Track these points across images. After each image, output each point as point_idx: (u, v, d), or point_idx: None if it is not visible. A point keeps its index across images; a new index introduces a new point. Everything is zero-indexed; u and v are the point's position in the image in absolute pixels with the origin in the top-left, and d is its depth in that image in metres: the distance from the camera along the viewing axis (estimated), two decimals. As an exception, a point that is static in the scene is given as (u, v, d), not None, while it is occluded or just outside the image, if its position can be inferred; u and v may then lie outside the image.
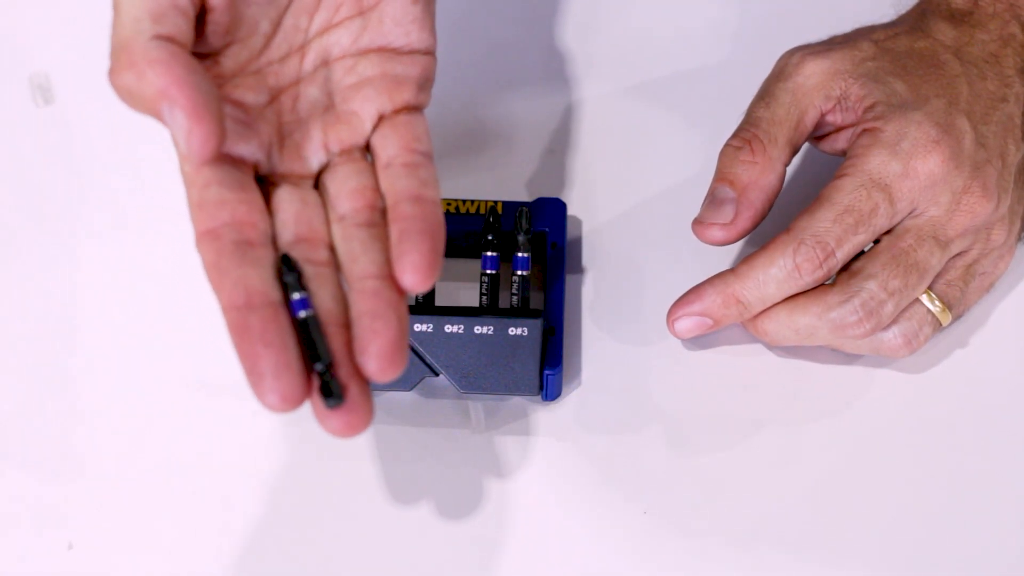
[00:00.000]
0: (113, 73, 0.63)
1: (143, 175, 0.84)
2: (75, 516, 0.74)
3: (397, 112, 0.68)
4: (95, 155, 0.85)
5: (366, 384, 0.63)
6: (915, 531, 0.74)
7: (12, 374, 0.78)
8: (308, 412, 0.76)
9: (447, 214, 0.80)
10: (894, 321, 0.75)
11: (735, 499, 0.75)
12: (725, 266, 0.81)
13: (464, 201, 0.80)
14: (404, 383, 0.76)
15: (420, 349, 0.75)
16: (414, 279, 0.64)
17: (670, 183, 0.84)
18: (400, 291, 0.64)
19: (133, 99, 0.63)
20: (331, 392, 0.62)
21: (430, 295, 0.77)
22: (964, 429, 0.77)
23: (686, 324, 0.77)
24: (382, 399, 0.77)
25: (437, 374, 0.76)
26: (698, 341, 0.79)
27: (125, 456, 0.76)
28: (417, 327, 0.75)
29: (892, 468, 0.76)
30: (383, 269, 0.64)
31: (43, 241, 0.82)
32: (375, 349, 0.62)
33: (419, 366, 0.76)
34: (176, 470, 0.76)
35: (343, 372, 0.62)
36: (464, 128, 0.86)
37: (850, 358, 0.78)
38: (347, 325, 0.63)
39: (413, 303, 0.77)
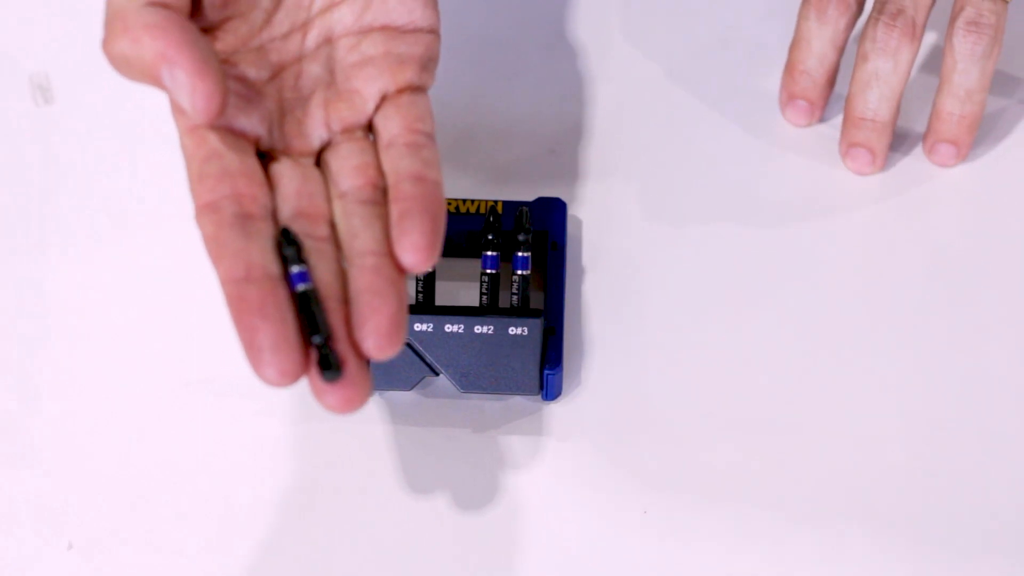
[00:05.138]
0: (107, 42, 0.62)
1: (143, 175, 0.84)
2: (75, 516, 0.75)
3: (400, 92, 0.68)
4: (95, 155, 0.85)
5: (364, 360, 0.62)
6: (917, 532, 0.74)
7: (12, 373, 0.78)
8: (308, 413, 0.77)
9: (447, 214, 0.80)
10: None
11: (735, 499, 0.75)
12: (723, 270, 0.81)
13: (464, 201, 0.80)
14: (404, 383, 0.76)
15: (420, 349, 0.75)
16: (414, 258, 0.63)
17: (671, 183, 0.84)
18: (400, 269, 0.63)
19: (130, 67, 0.62)
20: (329, 365, 0.61)
21: (430, 295, 0.77)
22: (967, 428, 0.77)
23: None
24: (382, 399, 0.77)
25: (437, 374, 0.76)
26: (697, 341, 0.79)
27: (126, 456, 0.76)
28: (417, 327, 0.75)
29: (893, 468, 0.76)
30: (383, 246, 0.63)
31: (43, 241, 0.82)
32: (373, 325, 0.62)
33: (419, 366, 0.76)
34: (177, 470, 0.76)
35: (341, 347, 0.61)
36: (464, 127, 0.86)
37: (849, 356, 0.78)
38: (346, 301, 0.62)
39: (413, 303, 0.77)
